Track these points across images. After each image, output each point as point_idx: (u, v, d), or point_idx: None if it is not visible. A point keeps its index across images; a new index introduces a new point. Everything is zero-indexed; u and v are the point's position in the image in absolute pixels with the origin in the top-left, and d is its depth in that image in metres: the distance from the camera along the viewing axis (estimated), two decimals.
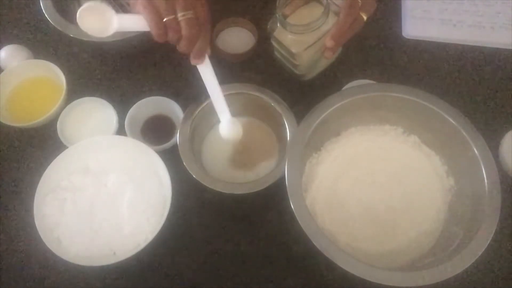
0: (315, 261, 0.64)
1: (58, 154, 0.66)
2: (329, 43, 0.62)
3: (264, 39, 0.73)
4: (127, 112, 0.71)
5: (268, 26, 0.64)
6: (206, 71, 0.60)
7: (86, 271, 0.65)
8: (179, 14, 0.55)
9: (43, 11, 0.73)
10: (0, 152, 0.74)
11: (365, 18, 0.62)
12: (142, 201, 0.64)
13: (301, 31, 0.61)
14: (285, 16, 0.63)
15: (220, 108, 0.62)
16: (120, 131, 0.72)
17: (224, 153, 0.70)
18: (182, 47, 0.57)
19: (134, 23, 0.57)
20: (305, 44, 0.62)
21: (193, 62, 0.59)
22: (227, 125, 0.63)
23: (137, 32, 0.69)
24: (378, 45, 0.80)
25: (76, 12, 0.78)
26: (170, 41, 0.57)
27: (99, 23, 0.56)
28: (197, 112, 0.67)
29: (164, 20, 0.55)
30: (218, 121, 0.63)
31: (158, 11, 0.55)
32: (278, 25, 0.63)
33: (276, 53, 0.69)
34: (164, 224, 0.60)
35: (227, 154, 0.70)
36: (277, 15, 0.62)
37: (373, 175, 0.64)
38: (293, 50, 0.63)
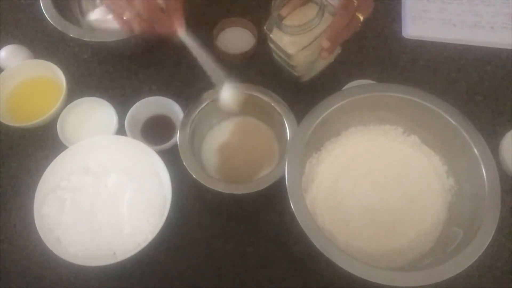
0: (315, 261, 0.64)
1: (58, 154, 0.66)
2: (324, 43, 0.61)
3: (264, 39, 0.73)
4: (127, 112, 0.71)
5: (265, 27, 0.64)
6: (188, 39, 0.62)
7: (86, 271, 0.65)
8: (135, 10, 0.60)
9: (43, 11, 0.73)
10: (0, 152, 0.74)
11: (361, 18, 0.61)
12: (142, 201, 0.64)
13: (296, 32, 0.61)
14: (281, 18, 0.62)
15: (215, 75, 0.62)
16: (120, 131, 0.72)
17: (224, 153, 0.70)
18: (157, 29, 0.61)
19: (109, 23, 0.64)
20: (301, 45, 0.62)
21: (170, 32, 0.62)
22: (225, 91, 0.62)
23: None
24: (378, 45, 0.80)
25: (76, 12, 0.79)
26: (143, 33, 0.62)
27: None
28: (197, 112, 0.66)
29: (124, 18, 0.61)
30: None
31: (118, 10, 0.61)
32: (274, 26, 0.63)
33: (274, 54, 0.69)
34: (164, 224, 0.60)
35: (227, 154, 0.70)
36: (272, 16, 0.61)
37: (373, 175, 0.64)
38: (289, 51, 0.63)
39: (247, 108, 0.70)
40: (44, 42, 0.82)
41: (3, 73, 0.75)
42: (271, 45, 0.66)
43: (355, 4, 0.60)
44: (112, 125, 0.72)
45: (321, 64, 0.71)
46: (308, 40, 0.62)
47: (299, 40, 0.62)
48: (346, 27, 0.61)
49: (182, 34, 0.62)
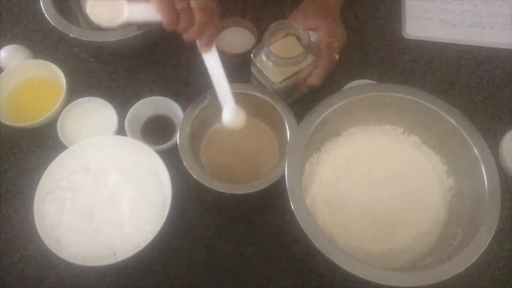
0: (315, 261, 0.64)
1: (58, 154, 0.66)
2: (309, 82, 0.67)
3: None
4: (127, 112, 0.71)
5: (251, 55, 0.67)
6: (213, 59, 0.61)
7: (86, 271, 0.65)
8: (192, 2, 0.57)
9: (43, 11, 0.73)
10: (0, 152, 0.74)
11: (337, 58, 0.68)
12: (142, 201, 0.64)
13: (282, 63, 0.64)
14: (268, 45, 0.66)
15: (224, 97, 0.63)
16: (120, 131, 0.72)
17: (224, 153, 0.70)
18: (192, 34, 0.58)
19: (145, 11, 0.58)
20: (284, 75, 0.65)
21: (201, 50, 0.60)
22: (231, 113, 0.63)
23: (138, 31, 0.69)
24: (378, 45, 0.80)
25: (76, 12, 0.79)
26: (180, 29, 0.58)
27: (110, 12, 0.57)
28: (197, 112, 0.66)
29: (178, 7, 0.56)
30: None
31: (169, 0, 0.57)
32: (263, 56, 0.66)
33: (252, 79, 0.70)
34: (164, 224, 0.60)
35: (227, 154, 0.70)
36: (264, 47, 0.64)
37: (373, 175, 0.64)
38: (272, 79, 0.65)
39: (247, 108, 0.70)
40: (44, 42, 0.82)
41: (3, 73, 0.75)
42: (253, 71, 0.69)
43: (337, 45, 0.67)
44: (112, 125, 0.72)
45: (297, 95, 0.73)
46: (291, 72, 0.65)
47: (283, 71, 0.65)
48: (328, 65, 0.66)
49: (213, 49, 0.61)
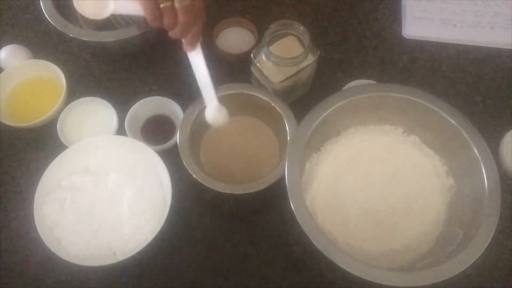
0: (315, 261, 0.64)
1: (58, 154, 0.66)
2: None
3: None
4: (127, 112, 0.71)
5: (251, 55, 0.67)
6: (197, 58, 0.61)
7: (86, 271, 0.65)
8: (176, 2, 0.56)
9: (43, 11, 0.73)
10: (0, 152, 0.74)
11: None
12: (142, 201, 0.64)
13: (282, 63, 0.65)
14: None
15: (208, 95, 0.63)
16: (120, 131, 0.72)
17: (224, 153, 0.70)
18: (176, 33, 0.59)
19: (130, 6, 0.59)
20: (284, 75, 0.65)
21: (186, 48, 0.61)
22: (213, 111, 0.63)
23: (138, 31, 0.69)
24: (378, 45, 0.80)
25: (76, 12, 0.78)
26: (165, 26, 0.58)
27: (96, 5, 0.58)
28: (197, 112, 0.66)
29: (161, 6, 0.56)
30: (204, 107, 0.64)
31: None
32: (263, 56, 0.66)
33: (252, 80, 0.70)
34: (164, 224, 0.60)
35: (227, 154, 0.70)
36: (264, 47, 0.64)
37: (373, 175, 0.64)
38: (272, 79, 0.66)
39: (247, 108, 0.70)
40: (44, 42, 0.82)
41: (3, 73, 0.75)
42: (253, 72, 0.69)
43: None
44: (112, 125, 0.72)
45: (297, 94, 0.73)
46: (291, 72, 0.65)
47: (283, 71, 0.65)
48: None
49: (197, 48, 0.61)
